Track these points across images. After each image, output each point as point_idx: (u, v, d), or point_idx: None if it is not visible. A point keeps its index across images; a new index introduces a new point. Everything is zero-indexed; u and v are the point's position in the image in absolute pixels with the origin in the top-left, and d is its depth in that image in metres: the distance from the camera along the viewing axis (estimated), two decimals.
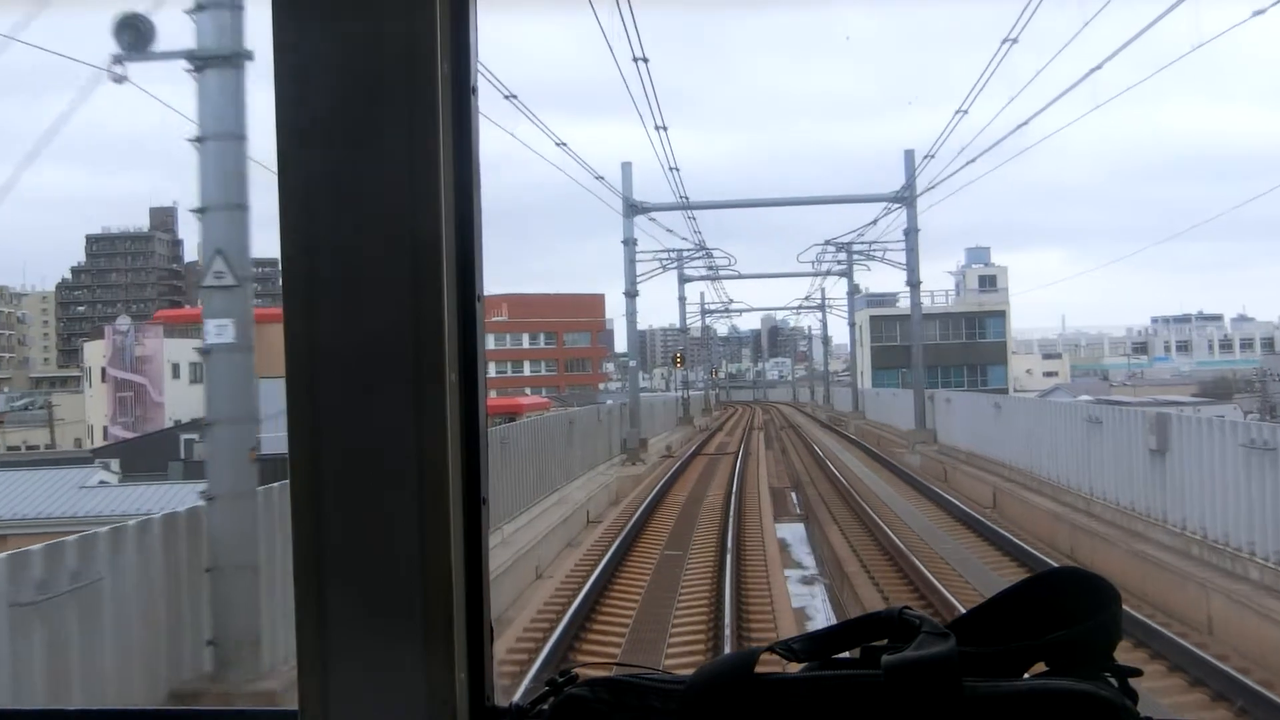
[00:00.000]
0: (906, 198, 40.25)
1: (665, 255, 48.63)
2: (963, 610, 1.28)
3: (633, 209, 39.85)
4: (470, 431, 1.29)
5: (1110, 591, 1.18)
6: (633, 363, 44.24)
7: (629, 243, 40.13)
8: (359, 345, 1.25)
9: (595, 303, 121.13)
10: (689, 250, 51.65)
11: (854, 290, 64.55)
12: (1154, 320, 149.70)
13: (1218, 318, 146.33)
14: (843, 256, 57.09)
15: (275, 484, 9.90)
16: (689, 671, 1.22)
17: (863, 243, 50.65)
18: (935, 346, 70.29)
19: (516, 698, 1.31)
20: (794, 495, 30.27)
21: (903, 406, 44.42)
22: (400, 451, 1.25)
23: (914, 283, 42.00)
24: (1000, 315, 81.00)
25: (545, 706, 1.23)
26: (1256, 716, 9.98)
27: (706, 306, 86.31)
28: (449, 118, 1.27)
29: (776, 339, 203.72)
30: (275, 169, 1.25)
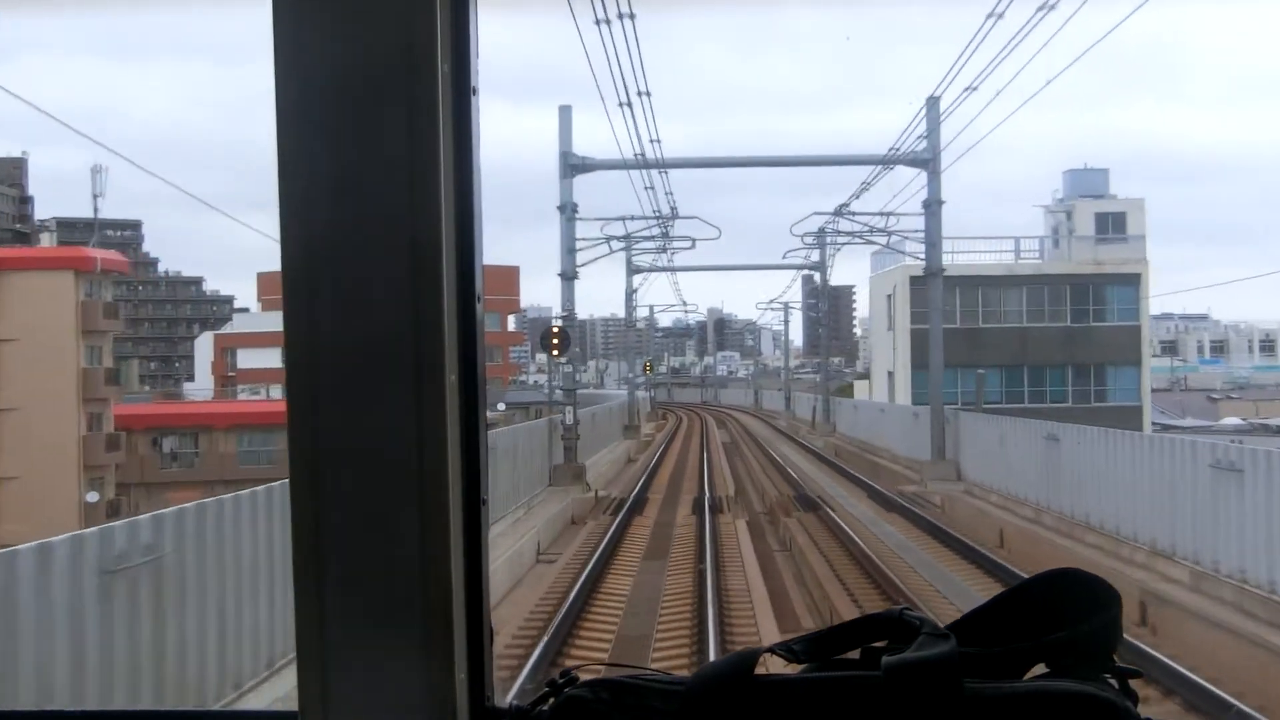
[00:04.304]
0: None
1: None
2: None
3: None
4: (470, 431, 1.29)
5: (1110, 593, 1.17)
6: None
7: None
8: (359, 345, 1.25)
9: (506, 277, 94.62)
10: None
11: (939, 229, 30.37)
12: None
13: (1203, 317, 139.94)
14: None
15: None
16: (689, 672, 1.22)
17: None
18: (1020, 331, 47.00)
19: (517, 698, 1.31)
20: None
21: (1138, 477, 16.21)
22: (400, 452, 1.25)
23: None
24: (1133, 281, 47.32)
25: (545, 707, 1.23)
26: None
27: (636, 265, 50.21)
28: (449, 118, 1.27)
29: (724, 332, 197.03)
30: (275, 169, 1.26)
